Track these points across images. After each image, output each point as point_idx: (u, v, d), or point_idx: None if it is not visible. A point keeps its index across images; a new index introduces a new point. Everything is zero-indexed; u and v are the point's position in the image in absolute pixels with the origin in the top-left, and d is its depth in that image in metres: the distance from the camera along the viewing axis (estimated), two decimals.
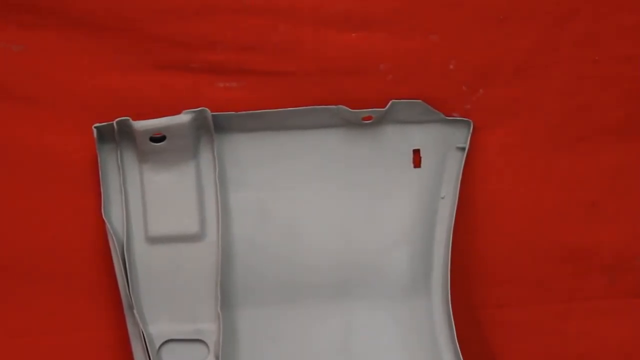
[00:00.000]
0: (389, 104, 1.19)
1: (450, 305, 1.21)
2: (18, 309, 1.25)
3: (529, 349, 1.30)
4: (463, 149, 1.22)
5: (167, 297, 1.22)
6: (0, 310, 1.25)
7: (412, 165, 1.23)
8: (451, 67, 1.21)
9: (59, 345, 1.26)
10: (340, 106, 1.19)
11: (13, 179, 1.22)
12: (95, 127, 1.17)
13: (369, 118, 1.21)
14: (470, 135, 1.22)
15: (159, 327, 1.21)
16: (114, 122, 1.17)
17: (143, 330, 1.17)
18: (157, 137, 1.18)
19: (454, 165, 1.23)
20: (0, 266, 1.24)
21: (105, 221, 1.18)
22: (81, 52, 1.20)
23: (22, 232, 1.23)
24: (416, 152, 1.23)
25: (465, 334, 1.22)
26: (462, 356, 1.20)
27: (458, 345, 1.19)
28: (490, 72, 1.22)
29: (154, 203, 1.21)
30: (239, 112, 1.19)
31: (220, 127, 1.20)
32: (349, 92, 1.21)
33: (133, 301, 1.18)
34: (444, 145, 1.23)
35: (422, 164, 1.23)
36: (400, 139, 1.23)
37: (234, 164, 1.22)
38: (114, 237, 1.18)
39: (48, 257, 1.24)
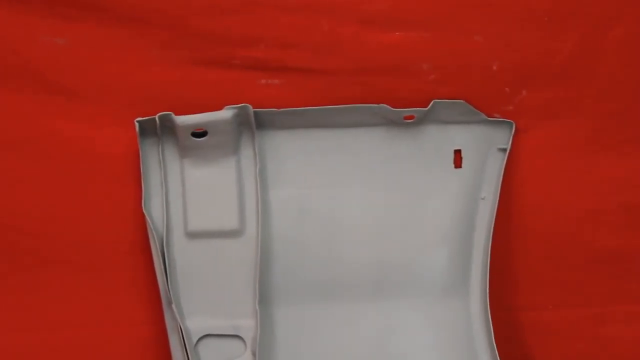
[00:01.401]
0: (431, 103, 1.19)
1: (488, 307, 1.21)
2: (57, 301, 1.26)
3: (565, 352, 1.29)
4: (504, 150, 1.22)
5: (205, 293, 1.22)
6: (40, 302, 1.26)
7: (452, 165, 1.23)
8: (494, 68, 1.21)
9: (97, 339, 1.26)
10: (382, 105, 1.19)
11: (55, 172, 1.23)
12: (137, 122, 1.18)
13: (410, 117, 1.21)
14: (512, 136, 1.21)
15: (196, 322, 1.22)
16: (156, 117, 1.17)
17: (181, 324, 1.18)
18: (199, 133, 1.19)
19: (495, 166, 1.22)
20: (42, 258, 1.25)
21: (146, 215, 1.18)
22: (124, 47, 1.20)
23: (64, 225, 1.24)
24: (457, 153, 1.23)
25: (502, 336, 1.22)
26: (499, 358, 1.19)
27: (496, 347, 1.19)
28: (533, 74, 1.21)
29: (194, 198, 1.21)
30: (280, 109, 1.19)
31: (262, 124, 1.20)
32: (390, 92, 1.21)
33: (171, 296, 1.18)
34: (485, 146, 1.23)
35: (462, 165, 1.23)
36: (441, 139, 1.22)
37: (274, 160, 1.22)
38: (153, 232, 1.18)
39: (88, 250, 1.25)
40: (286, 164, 1.22)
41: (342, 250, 1.24)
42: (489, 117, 1.22)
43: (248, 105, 1.17)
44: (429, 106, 1.19)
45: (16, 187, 1.23)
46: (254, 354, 1.20)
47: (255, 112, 1.18)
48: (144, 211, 1.18)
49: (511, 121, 1.22)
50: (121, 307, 1.26)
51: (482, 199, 1.23)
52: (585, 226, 1.26)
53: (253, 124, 1.19)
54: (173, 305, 1.18)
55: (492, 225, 1.21)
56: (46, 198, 1.23)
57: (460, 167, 1.23)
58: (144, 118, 1.18)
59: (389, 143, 1.22)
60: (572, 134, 1.24)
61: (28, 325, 1.26)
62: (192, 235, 1.22)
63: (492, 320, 1.20)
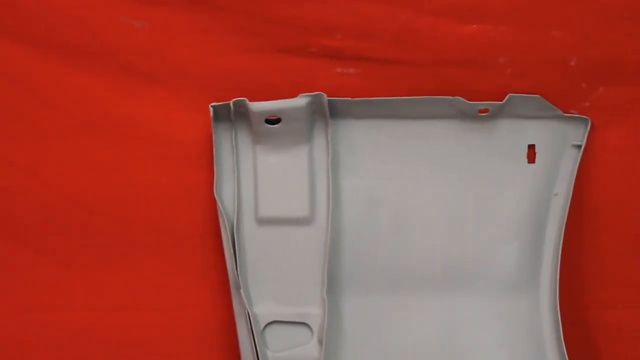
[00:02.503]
0: (507, 97, 1.18)
1: (558, 303, 1.20)
2: (126, 282, 1.27)
3: (633, 353, 1.28)
4: (579, 146, 1.20)
5: (273, 279, 1.23)
6: (108, 283, 1.27)
7: (526, 160, 1.22)
8: (572, 63, 1.19)
9: (164, 321, 1.28)
10: (458, 97, 1.18)
11: (129, 154, 1.24)
12: (211, 106, 1.18)
13: (485, 111, 1.20)
14: (587, 133, 1.20)
15: (264, 308, 1.22)
16: (231, 102, 1.18)
17: (248, 310, 1.19)
18: (272, 119, 1.19)
19: (569, 163, 1.21)
20: (113, 239, 1.26)
21: (217, 200, 1.19)
22: (201, 32, 1.21)
23: (136, 207, 1.25)
24: (531, 148, 1.22)
25: (571, 334, 1.21)
26: (567, 356, 1.19)
27: (564, 345, 1.18)
28: (611, 70, 1.20)
29: (265, 184, 1.22)
30: (355, 98, 1.19)
31: (336, 113, 1.20)
32: (465, 84, 1.20)
33: (240, 281, 1.19)
34: (560, 142, 1.21)
35: (536, 160, 1.22)
36: (515, 133, 1.21)
37: (347, 150, 1.22)
38: (224, 217, 1.19)
39: (159, 233, 1.26)
40: (358, 153, 1.22)
41: (412, 241, 1.23)
42: (564, 112, 1.20)
43: (322, 93, 1.17)
44: (505, 100, 1.18)
45: (91, 169, 1.24)
46: (320, 342, 1.20)
47: (329, 101, 1.18)
48: (216, 196, 1.19)
49: (587, 117, 1.20)
50: (190, 291, 1.27)
51: (555, 195, 1.22)
52: None
53: (327, 113, 1.19)
54: (241, 291, 1.18)
55: (564, 222, 1.20)
56: (119, 180, 1.25)
57: (533, 162, 1.22)
58: (219, 103, 1.18)
59: (462, 136, 1.21)
60: None
61: (96, 304, 1.27)
62: (263, 221, 1.22)
63: (561, 317, 1.19)
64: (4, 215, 1.26)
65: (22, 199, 1.25)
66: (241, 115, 1.19)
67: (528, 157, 1.22)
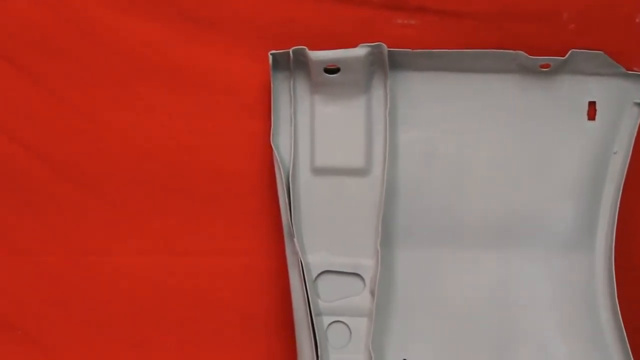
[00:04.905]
0: (569, 53, 1.17)
1: (613, 263, 1.19)
2: (181, 227, 1.28)
3: None
4: None
5: (327, 229, 1.23)
6: (164, 228, 1.28)
7: (586, 117, 1.21)
8: (637, 20, 1.18)
9: (217, 267, 1.29)
10: (519, 52, 1.17)
11: (187, 100, 1.25)
12: (271, 54, 1.18)
13: (546, 66, 1.19)
14: None
15: (317, 258, 1.23)
16: (290, 51, 1.17)
17: (301, 259, 1.18)
18: (331, 69, 1.18)
19: (630, 121, 1.20)
20: (170, 184, 1.27)
21: (273, 148, 1.19)
22: None
23: (193, 153, 1.26)
24: (591, 105, 1.21)
25: (624, 295, 1.20)
26: (621, 317, 1.18)
27: (618, 306, 1.18)
28: None
29: (322, 134, 1.22)
30: (415, 50, 1.18)
31: (395, 64, 1.19)
32: (527, 39, 1.19)
33: (294, 230, 1.19)
34: (621, 99, 1.20)
35: (596, 117, 1.21)
36: (576, 90, 1.20)
37: (405, 102, 1.21)
38: (280, 165, 1.19)
39: (213, 180, 1.26)
40: (417, 106, 1.22)
41: (467, 196, 1.23)
42: (627, 70, 1.19)
43: (383, 44, 1.16)
44: (567, 56, 1.17)
45: (149, 115, 1.25)
46: (372, 294, 1.21)
47: (389, 52, 1.17)
48: (272, 144, 1.19)
49: None
50: (243, 239, 1.28)
51: (614, 153, 1.21)
52: None
53: (386, 64, 1.18)
54: (295, 240, 1.18)
55: (623, 181, 1.19)
56: (177, 126, 1.25)
57: (593, 119, 1.21)
58: (278, 51, 1.18)
59: (523, 91, 1.20)
60: None
61: (151, 249, 1.28)
62: (318, 171, 1.22)
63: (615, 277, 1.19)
64: (63, 159, 1.27)
65: (81, 144, 1.26)
66: (300, 64, 1.19)
67: (588, 114, 1.21)
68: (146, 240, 1.28)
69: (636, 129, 1.19)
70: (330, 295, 1.23)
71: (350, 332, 1.22)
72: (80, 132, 1.26)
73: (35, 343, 1.30)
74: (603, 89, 1.20)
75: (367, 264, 1.22)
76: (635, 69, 1.19)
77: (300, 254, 1.18)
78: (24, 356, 1.30)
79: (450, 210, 1.23)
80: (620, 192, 1.19)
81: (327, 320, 1.22)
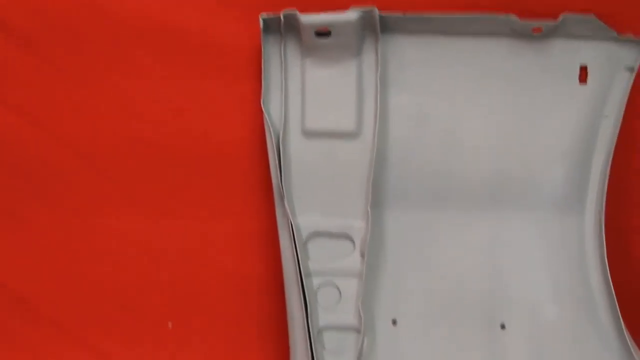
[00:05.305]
0: (561, 17, 1.16)
1: (603, 225, 1.20)
2: (171, 191, 1.29)
3: None
4: (632, 69, 1.19)
5: (318, 191, 1.24)
6: (154, 191, 1.30)
7: (577, 81, 1.21)
8: None
9: (208, 230, 1.30)
10: (510, 15, 1.17)
11: (178, 62, 1.25)
12: (262, 18, 1.18)
13: (538, 30, 1.18)
14: None
15: (307, 220, 1.24)
16: (281, 14, 1.17)
17: (291, 221, 1.19)
18: (322, 32, 1.18)
19: (621, 85, 1.20)
20: (154, 148, 1.28)
21: (264, 111, 1.19)
22: None
23: (182, 115, 1.27)
24: (583, 69, 1.21)
25: (614, 256, 1.21)
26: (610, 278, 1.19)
27: (607, 266, 1.18)
28: None
29: (313, 97, 1.22)
30: (406, 14, 1.18)
31: (386, 28, 1.19)
32: (519, 3, 1.19)
33: (284, 192, 1.20)
34: (613, 64, 1.20)
35: (588, 81, 1.21)
36: (568, 53, 1.20)
37: (396, 65, 1.21)
38: (270, 128, 1.20)
39: (205, 142, 1.28)
40: (408, 70, 1.22)
41: (458, 159, 1.23)
42: (619, 34, 1.18)
43: (374, 7, 1.16)
44: (559, 20, 1.16)
45: (140, 77, 1.26)
46: (362, 255, 1.22)
47: (380, 15, 1.17)
48: (263, 108, 1.19)
49: None
50: (233, 201, 1.29)
51: (605, 117, 1.21)
52: None
53: (378, 27, 1.18)
54: (285, 201, 1.19)
55: (613, 145, 1.19)
56: (168, 88, 1.26)
57: (585, 83, 1.21)
58: (269, 15, 1.18)
59: (514, 55, 1.20)
60: None
61: (142, 211, 1.30)
62: (309, 134, 1.23)
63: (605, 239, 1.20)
64: (53, 122, 1.28)
65: (73, 107, 1.27)
66: (291, 27, 1.19)
67: (580, 78, 1.21)
68: (137, 203, 1.30)
69: (627, 93, 1.19)
70: (321, 257, 1.24)
71: (340, 293, 1.23)
72: (71, 95, 1.27)
73: (21, 302, 1.32)
74: (595, 53, 1.20)
75: (357, 225, 1.23)
76: (627, 33, 1.19)
77: (290, 216, 1.19)
78: (12, 314, 1.32)
79: (441, 173, 1.24)
80: (611, 155, 1.20)
81: (317, 281, 1.23)
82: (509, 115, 1.22)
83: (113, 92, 1.27)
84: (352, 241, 1.24)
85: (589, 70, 1.20)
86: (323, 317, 1.23)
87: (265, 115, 1.19)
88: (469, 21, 1.18)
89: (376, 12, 1.16)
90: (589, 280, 1.22)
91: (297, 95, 1.22)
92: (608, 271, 1.19)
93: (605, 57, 1.20)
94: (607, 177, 1.19)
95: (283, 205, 1.20)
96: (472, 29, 1.19)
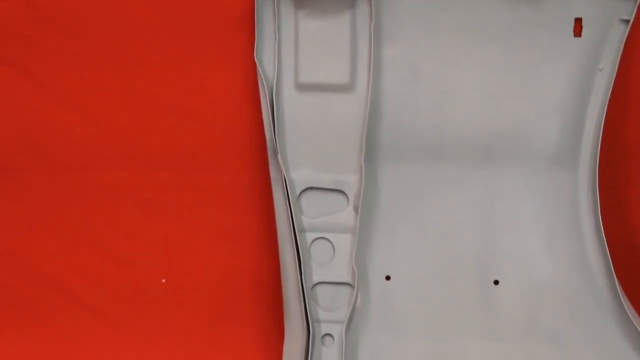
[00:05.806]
0: None
1: (597, 180, 1.19)
2: (163, 144, 1.29)
3: None
4: (627, 21, 1.18)
5: (311, 145, 1.23)
6: (146, 145, 1.29)
7: (572, 34, 1.20)
8: None
9: (201, 184, 1.29)
10: None
11: (170, 14, 1.24)
12: None
13: None
14: (636, 7, 1.17)
15: (300, 174, 1.23)
16: None
17: (285, 175, 1.19)
18: None
19: (616, 38, 1.19)
20: (150, 101, 1.27)
21: (257, 64, 1.18)
22: None
23: (174, 68, 1.26)
24: (578, 21, 1.20)
25: (608, 212, 1.20)
26: (604, 232, 1.18)
27: (601, 221, 1.18)
28: None
29: (306, 50, 1.21)
30: None
31: None
32: None
33: (277, 146, 1.19)
34: (608, 16, 1.19)
35: (582, 34, 1.20)
36: (562, 6, 1.19)
37: (390, 18, 1.20)
38: (264, 81, 1.18)
39: (197, 95, 1.26)
40: (402, 22, 1.20)
41: (452, 112, 1.22)
42: None
43: None
44: None
45: (132, 27, 1.24)
46: (356, 210, 1.21)
47: None
48: (256, 60, 1.18)
49: None
50: (225, 155, 1.28)
51: (600, 70, 1.20)
52: None
53: None
54: (278, 156, 1.18)
55: (608, 98, 1.18)
56: (161, 40, 1.25)
57: (579, 35, 1.20)
58: None
59: (508, 7, 1.19)
60: None
61: (134, 165, 1.29)
62: (302, 87, 1.21)
63: (599, 195, 1.19)
64: (44, 73, 1.26)
65: (64, 57, 1.26)
66: None
67: (574, 30, 1.20)
68: (129, 157, 1.29)
69: (622, 46, 1.18)
70: (314, 212, 1.23)
71: (334, 249, 1.22)
72: (63, 48, 1.26)
73: (12, 255, 1.32)
74: (589, 5, 1.19)
75: (350, 180, 1.22)
76: None
77: (283, 170, 1.19)
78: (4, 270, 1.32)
79: (434, 127, 1.23)
80: (605, 109, 1.19)
81: (310, 236, 1.23)
82: (503, 70, 1.21)
83: (106, 43, 1.25)
84: (346, 196, 1.23)
85: (583, 22, 1.19)
86: (317, 272, 1.22)
87: (259, 67, 1.18)
88: None
89: None
90: (582, 236, 1.22)
91: (290, 48, 1.21)
92: (602, 226, 1.18)
93: (601, 9, 1.19)
94: (601, 131, 1.19)
95: (276, 160, 1.19)
96: None
